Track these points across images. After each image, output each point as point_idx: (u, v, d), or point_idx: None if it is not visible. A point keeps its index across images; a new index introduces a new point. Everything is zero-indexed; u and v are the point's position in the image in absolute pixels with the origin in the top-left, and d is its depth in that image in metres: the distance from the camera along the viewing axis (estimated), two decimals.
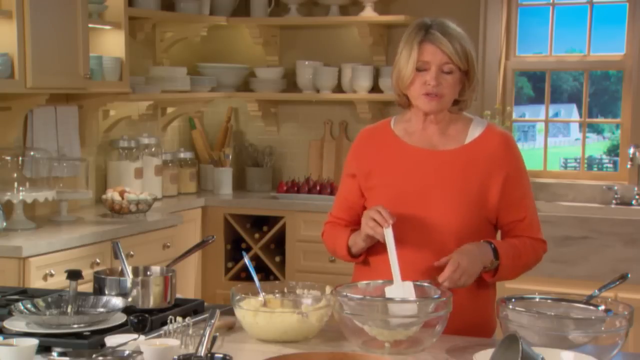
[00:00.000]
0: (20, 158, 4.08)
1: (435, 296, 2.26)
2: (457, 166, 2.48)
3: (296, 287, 2.45)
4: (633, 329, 2.19)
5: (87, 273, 2.94)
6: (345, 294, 2.24)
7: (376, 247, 2.49)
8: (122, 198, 4.36)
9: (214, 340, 2.01)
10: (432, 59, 2.42)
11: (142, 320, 2.26)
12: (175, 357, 1.94)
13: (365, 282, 2.40)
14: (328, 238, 2.68)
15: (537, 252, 2.55)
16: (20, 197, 3.96)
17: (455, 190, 2.46)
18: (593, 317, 2.16)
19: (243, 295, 2.34)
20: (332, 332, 2.34)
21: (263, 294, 2.39)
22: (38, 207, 4.32)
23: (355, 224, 2.59)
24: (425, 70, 2.43)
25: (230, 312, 2.38)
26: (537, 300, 2.31)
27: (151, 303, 2.43)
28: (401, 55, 2.47)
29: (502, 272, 2.46)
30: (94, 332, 2.18)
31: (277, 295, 2.43)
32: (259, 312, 2.28)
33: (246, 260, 2.55)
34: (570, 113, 5.93)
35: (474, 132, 2.53)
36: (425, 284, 2.35)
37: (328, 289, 2.37)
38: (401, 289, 2.29)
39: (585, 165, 5.30)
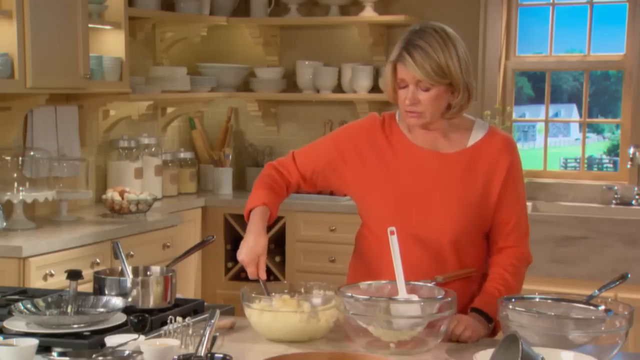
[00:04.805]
0: (20, 158, 4.08)
1: (439, 297, 2.25)
2: (459, 169, 2.48)
3: (313, 287, 2.45)
4: (633, 329, 2.19)
5: (87, 273, 2.94)
6: (350, 294, 2.24)
7: (378, 252, 2.49)
8: (122, 198, 4.36)
9: (214, 340, 2.02)
10: (407, 78, 2.42)
11: (142, 320, 2.26)
12: (175, 357, 1.95)
13: (367, 282, 2.39)
14: (261, 180, 2.59)
15: (520, 273, 2.52)
16: (20, 197, 3.96)
17: (455, 193, 2.46)
18: (593, 317, 2.16)
19: (254, 295, 2.34)
20: (337, 332, 2.34)
21: (273, 293, 2.39)
22: (38, 207, 4.32)
23: (293, 184, 2.60)
24: (404, 87, 2.44)
25: (230, 312, 2.38)
26: (537, 300, 2.31)
27: (151, 303, 2.43)
28: (385, 70, 2.50)
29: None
30: (94, 332, 2.18)
31: (295, 295, 2.41)
32: (264, 312, 2.29)
33: None
34: (570, 113, 5.93)
35: (476, 135, 2.52)
36: (429, 285, 2.35)
37: None
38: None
39: (585, 165, 5.30)
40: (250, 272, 2.41)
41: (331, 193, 5.00)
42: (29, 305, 2.31)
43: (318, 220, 4.97)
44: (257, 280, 2.42)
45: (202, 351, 1.93)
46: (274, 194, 2.56)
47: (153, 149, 5.05)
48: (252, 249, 2.42)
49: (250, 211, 2.53)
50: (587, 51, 5.15)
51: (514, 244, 2.52)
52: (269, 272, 5.16)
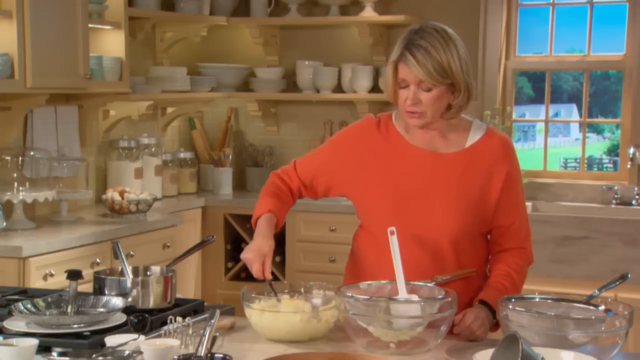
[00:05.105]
0: (20, 158, 4.08)
1: (439, 297, 2.25)
2: (457, 170, 2.48)
3: (313, 287, 2.45)
4: (633, 329, 2.19)
5: (87, 273, 2.94)
6: (350, 294, 2.24)
7: (376, 253, 2.49)
8: (122, 198, 4.36)
9: (214, 340, 2.02)
10: (409, 78, 2.41)
11: (142, 320, 2.26)
12: (175, 357, 1.95)
13: (367, 282, 2.39)
14: (266, 188, 2.63)
15: (523, 271, 2.54)
16: (20, 197, 3.96)
17: (454, 193, 2.46)
18: (593, 317, 2.16)
19: (254, 295, 2.34)
20: (337, 332, 2.34)
21: (278, 294, 2.38)
22: (38, 207, 4.32)
23: (295, 191, 2.63)
24: (405, 87, 2.43)
25: (230, 312, 2.38)
26: (537, 300, 2.31)
27: (151, 303, 2.43)
28: (386, 70, 2.49)
29: None
30: (94, 332, 2.18)
31: (295, 295, 2.41)
32: (265, 312, 2.29)
33: None
34: (570, 113, 5.93)
35: (474, 135, 2.52)
36: (429, 285, 2.35)
37: None
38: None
39: (585, 165, 5.30)
40: (256, 269, 2.40)
41: None
42: (29, 305, 2.31)
43: (318, 220, 4.96)
44: (262, 281, 2.41)
45: (202, 351, 1.93)
46: (279, 201, 2.57)
47: (153, 149, 5.05)
48: (258, 248, 2.42)
49: (257, 219, 2.54)
50: (587, 51, 5.15)
51: (518, 245, 2.53)
52: None
